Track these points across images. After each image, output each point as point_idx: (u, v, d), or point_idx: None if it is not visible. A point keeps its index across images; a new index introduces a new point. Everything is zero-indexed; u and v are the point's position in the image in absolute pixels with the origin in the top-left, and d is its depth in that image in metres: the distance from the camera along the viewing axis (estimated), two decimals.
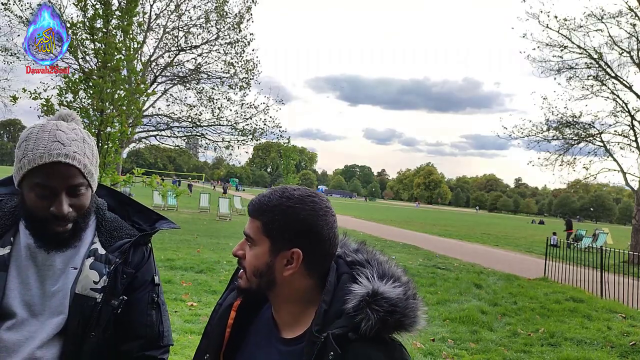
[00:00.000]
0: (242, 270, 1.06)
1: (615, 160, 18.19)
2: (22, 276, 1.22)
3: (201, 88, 18.50)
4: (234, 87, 18.10)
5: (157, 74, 17.44)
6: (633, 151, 17.81)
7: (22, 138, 1.21)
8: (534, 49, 20.64)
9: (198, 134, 19.02)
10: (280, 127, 18.39)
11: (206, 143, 19.53)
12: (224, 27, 17.71)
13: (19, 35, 14.89)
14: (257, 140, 18.65)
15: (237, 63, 17.93)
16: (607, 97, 18.07)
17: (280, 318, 1.07)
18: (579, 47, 17.60)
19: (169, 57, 17.71)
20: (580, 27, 17.27)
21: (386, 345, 0.96)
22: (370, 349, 0.94)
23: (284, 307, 1.06)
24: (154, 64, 17.26)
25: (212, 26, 17.64)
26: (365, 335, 0.94)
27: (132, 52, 5.08)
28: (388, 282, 0.99)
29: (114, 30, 4.79)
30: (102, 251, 1.30)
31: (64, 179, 1.18)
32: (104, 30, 4.68)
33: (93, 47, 4.74)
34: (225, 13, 17.56)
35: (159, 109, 18.59)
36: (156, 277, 1.38)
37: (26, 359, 1.17)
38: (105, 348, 1.27)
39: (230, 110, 18.30)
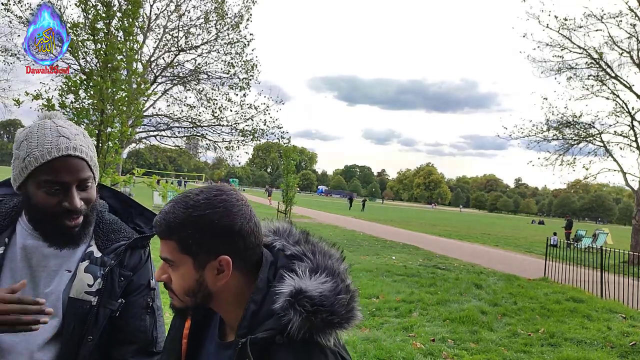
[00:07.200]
0: (170, 292, 0.98)
1: (615, 160, 18.18)
2: (15, 277, 1.20)
3: (201, 88, 18.52)
4: (234, 88, 18.09)
5: (157, 75, 17.44)
6: (633, 151, 17.78)
7: (21, 138, 1.18)
8: (534, 48, 20.68)
9: (198, 134, 19.02)
10: (281, 127, 18.36)
11: (206, 143, 19.52)
12: (223, 27, 17.72)
13: (19, 36, 14.86)
14: (257, 141, 18.60)
15: (237, 63, 17.93)
16: (607, 97, 18.06)
17: (227, 322, 1.01)
18: (579, 47, 17.61)
19: (169, 57, 17.73)
20: (580, 27, 17.26)
21: (310, 352, 0.87)
22: (291, 354, 0.86)
23: (228, 312, 0.99)
24: (153, 64, 17.26)
25: (211, 26, 17.65)
26: (294, 337, 0.86)
27: (132, 53, 5.06)
28: (319, 277, 0.91)
29: (115, 31, 4.79)
30: (97, 254, 1.28)
31: (74, 173, 1.17)
32: (105, 30, 4.68)
33: (94, 48, 4.74)
34: (224, 13, 17.57)
35: (159, 109, 18.59)
36: (152, 281, 1.35)
37: None
38: (102, 352, 1.26)
39: (231, 110, 18.30)
